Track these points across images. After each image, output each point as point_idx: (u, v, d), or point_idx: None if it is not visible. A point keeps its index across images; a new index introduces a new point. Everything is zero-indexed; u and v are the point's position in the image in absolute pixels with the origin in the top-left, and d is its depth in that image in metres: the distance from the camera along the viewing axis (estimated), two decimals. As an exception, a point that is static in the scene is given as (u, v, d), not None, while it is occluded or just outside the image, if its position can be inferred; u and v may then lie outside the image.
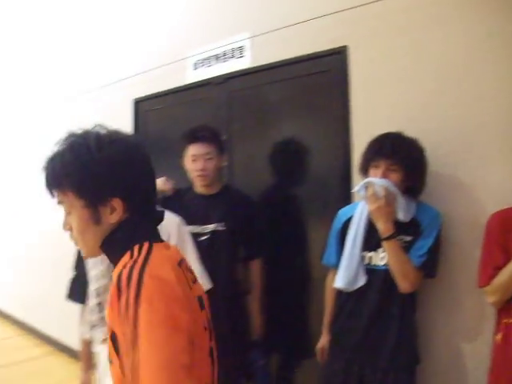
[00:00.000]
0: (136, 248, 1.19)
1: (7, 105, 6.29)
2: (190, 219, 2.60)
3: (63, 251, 3.65)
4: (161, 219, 1.32)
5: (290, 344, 2.99)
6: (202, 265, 2.32)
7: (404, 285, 2.03)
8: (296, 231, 2.93)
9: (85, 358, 2.27)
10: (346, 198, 2.55)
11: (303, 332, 2.92)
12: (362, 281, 2.14)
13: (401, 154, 2.03)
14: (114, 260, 1.23)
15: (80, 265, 2.19)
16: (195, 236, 2.63)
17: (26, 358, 4.98)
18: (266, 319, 2.80)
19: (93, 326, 2.08)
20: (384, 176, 2.04)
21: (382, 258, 2.10)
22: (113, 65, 4.36)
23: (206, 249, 2.62)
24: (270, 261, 2.83)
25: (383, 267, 2.10)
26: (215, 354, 1.32)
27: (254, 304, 2.77)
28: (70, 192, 1.20)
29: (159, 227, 1.31)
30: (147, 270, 1.09)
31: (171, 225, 2.12)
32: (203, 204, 2.71)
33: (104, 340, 1.96)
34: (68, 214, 1.25)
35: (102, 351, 2.06)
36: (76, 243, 1.29)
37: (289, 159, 3.01)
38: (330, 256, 2.37)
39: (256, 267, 2.78)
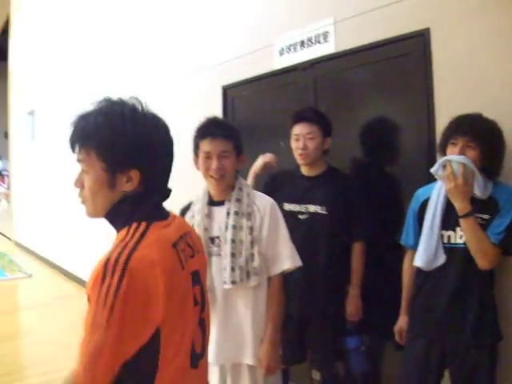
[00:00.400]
0: (133, 227, 1.26)
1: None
2: (291, 198, 2.77)
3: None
4: (168, 196, 1.40)
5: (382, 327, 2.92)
6: (293, 243, 2.28)
7: (482, 262, 2.06)
8: (390, 212, 2.93)
9: None
10: (431, 179, 2.57)
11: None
12: (441, 259, 2.18)
13: (478, 132, 2.06)
14: (117, 229, 1.32)
15: None
16: (295, 214, 2.76)
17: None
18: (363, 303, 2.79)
19: None
20: (461, 152, 2.08)
21: (461, 237, 2.13)
22: (202, 52, 4.55)
23: (304, 229, 2.73)
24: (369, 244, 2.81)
25: (462, 245, 2.12)
26: (206, 323, 1.44)
27: (354, 288, 2.76)
28: (93, 152, 1.28)
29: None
30: (133, 258, 1.16)
31: (265, 206, 2.22)
32: (306, 185, 2.81)
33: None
34: (84, 172, 1.32)
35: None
36: (83, 201, 1.36)
37: (376, 141, 3.05)
38: (407, 236, 2.41)
39: (356, 251, 2.76)
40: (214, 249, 2.21)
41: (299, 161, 2.80)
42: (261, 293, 2.20)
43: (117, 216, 1.33)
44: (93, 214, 1.36)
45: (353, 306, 2.75)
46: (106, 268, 1.14)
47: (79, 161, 1.33)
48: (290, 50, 3.45)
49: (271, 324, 2.19)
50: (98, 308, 1.12)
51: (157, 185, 1.36)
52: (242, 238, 2.16)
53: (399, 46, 2.76)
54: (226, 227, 2.18)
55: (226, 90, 4.17)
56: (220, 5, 4.30)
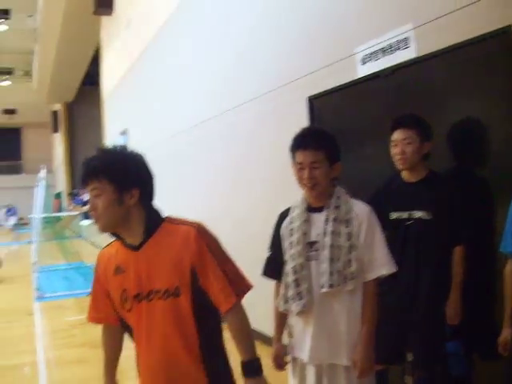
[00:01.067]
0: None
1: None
2: (396, 205, 2.82)
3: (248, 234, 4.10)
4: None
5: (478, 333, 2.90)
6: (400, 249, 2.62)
7: None
8: (488, 215, 2.85)
9: (278, 329, 2.50)
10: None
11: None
12: None
13: None
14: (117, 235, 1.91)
15: (276, 245, 2.45)
16: (402, 221, 2.80)
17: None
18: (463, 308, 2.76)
19: (288, 300, 2.34)
20: None
21: None
22: (285, 65, 4.69)
23: (410, 234, 2.78)
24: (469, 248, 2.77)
25: None
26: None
27: (454, 292, 2.74)
28: (105, 180, 1.78)
29: None
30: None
31: (363, 213, 2.30)
32: (409, 191, 2.83)
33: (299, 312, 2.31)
34: (96, 196, 1.80)
35: (296, 323, 2.39)
36: (97, 220, 1.83)
37: (465, 144, 3.02)
38: (507, 244, 2.35)
39: (457, 254, 2.74)
40: (313, 253, 2.30)
41: (398, 166, 2.85)
42: (356, 297, 2.28)
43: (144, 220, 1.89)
44: (105, 228, 1.86)
45: (453, 309, 2.74)
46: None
47: (93, 189, 1.81)
48: (371, 57, 3.51)
49: (366, 327, 2.26)
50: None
51: (151, 198, 1.92)
52: (341, 244, 2.25)
53: (482, 46, 2.75)
54: (325, 233, 2.28)
55: (312, 101, 4.27)
56: (301, 18, 4.43)
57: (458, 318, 2.74)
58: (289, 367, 2.48)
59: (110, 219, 1.81)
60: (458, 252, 2.74)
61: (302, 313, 2.30)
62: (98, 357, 5.26)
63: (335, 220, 2.28)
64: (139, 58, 10.09)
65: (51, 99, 28.48)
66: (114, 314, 1.99)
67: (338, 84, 3.89)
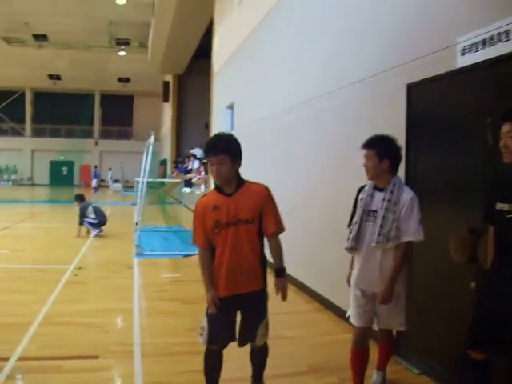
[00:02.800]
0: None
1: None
2: (502, 197, 2.79)
3: (335, 216, 4.30)
4: None
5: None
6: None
7: None
8: None
9: (352, 261, 3.68)
10: None
11: None
12: None
13: None
14: (232, 184, 3.17)
15: (354, 207, 3.65)
16: (504, 213, 2.75)
17: (297, 311, 5.86)
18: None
19: (351, 243, 3.56)
20: None
21: None
22: (386, 52, 4.76)
23: (508, 229, 2.75)
24: None
25: None
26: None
27: None
28: (227, 155, 3.08)
29: None
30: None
31: (407, 197, 3.37)
32: None
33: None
34: (221, 164, 3.06)
35: (356, 260, 3.62)
36: (219, 178, 3.11)
37: None
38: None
39: None
40: (371, 218, 3.47)
41: (504, 159, 2.80)
42: (391, 251, 3.39)
43: (239, 180, 3.21)
44: (223, 183, 3.16)
45: None
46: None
47: (221, 159, 3.07)
48: (471, 49, 3.52)
49: (393, 272, 3.36)
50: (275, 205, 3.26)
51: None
52: (389, 217, 3.36)
53: None
54: (381, 207, 3.41)
55: (411, 88, 4.33)
56: (404, 6, 4.48)
57: None
58: (351, 289, 3.66)
59: (226, 178, 3.13)
60: None
61: (359, 253, 3.52)
62: (186, 311, 5.83)
63: (389, 201, 3.39)
64: (248, 36, 10.38)
65: (163, 70, 29.71)
66: (207, 241, 3.20)
67: (437, 73, 3.94)
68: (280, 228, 3.25)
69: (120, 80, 37.13)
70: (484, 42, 3.42)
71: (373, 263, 3.44)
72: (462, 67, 3.67)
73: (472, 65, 3.56)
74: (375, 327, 3.72)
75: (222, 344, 3.33)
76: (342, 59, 5.78)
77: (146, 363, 4.14)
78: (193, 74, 28.30)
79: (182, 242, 10.87)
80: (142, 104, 39.92)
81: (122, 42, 30.74)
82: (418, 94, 4.28)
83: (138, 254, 9.18)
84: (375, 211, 3.43)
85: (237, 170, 3.19)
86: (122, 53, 31.76)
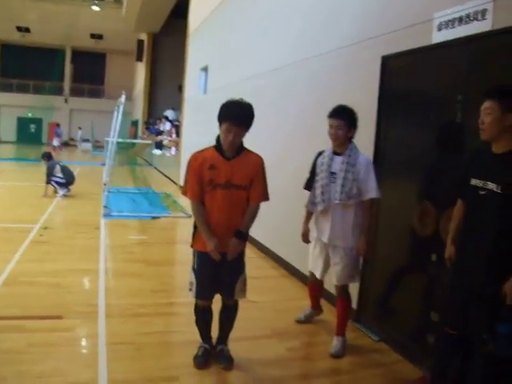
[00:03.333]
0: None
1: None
2: (476, 173, 2.85)
3: (301, 185, 4.35)
4: None
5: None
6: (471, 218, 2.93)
7: None
8: None
9: (306, 220, 4.20)
10: None
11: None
12: None
13: None
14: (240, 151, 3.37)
15: (313, 171, 4.06)
16: (477, 189, 2.82)
17: (263, 276, 5.95)
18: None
19: (315, 203, 4.00)
20: None
21: None
22: (363, 23, 4.74)
23: (481, 204, 2.81)
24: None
25: None
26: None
27: None
28: (247, 128, 3.30)
29: None
30: None
31: (363, 161, 3.82)
32: (490, 162, 2.82)
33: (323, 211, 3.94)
34: (237, 135, 3.25)
35: (319, 217, 4.02)
36: (232, 147, 3.31)
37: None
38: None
39: None
40: (332, 179, 3.86)
41: (481, 136, 2.85)
42: (353, 208, 3.83)
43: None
44: (233, 149, 3.36)
45: (509, 290, 2.67)
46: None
47: (240, 130, 3.26)
48: (448, 25, 3.53)
49: (366, 226, 3.84)
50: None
51: None
52: (349, 177, 3.78)
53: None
54: (341, 169, 3.83)
55: (386, 60, 4.34)
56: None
57: None
58: (311, 242, 4.15)
59: (236, 146, 3.35)
60: None
61: (323, 211, 3.91)
62: (152, 273, 5.85)
63: (348, 163, 3.81)
64: (226, -2, 10.15)
65: (138, 28, 28.98)
66: (201, 194, 3.35)
67: (412, 47, 3.95)
68: (264, 198, 3.45)
69: (93, 36, 36.08)
70: (460, 20, 3.43)
71: (334, 219, 3.87)
72: (438, 43, 3.68)
73: (447, 41, 3.58)
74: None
75: (210, 296, 3.54)
76: (321, 27, 5.72)
77: (110, 324, 4.15)
78: (168, 34, 27.66)
79: (150, 204, 10.84)
80: (115, 62, 38.93)
81: (95, -3, 29.95)
82: (392, 66, 4.30)
83: (106, 215, 9.11)
84: (335, 173, 3.86)
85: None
86: (96, 8, 30.88)
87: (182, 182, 13.80)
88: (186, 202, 11.31)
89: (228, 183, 3.32)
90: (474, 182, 2.87)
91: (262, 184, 3.40)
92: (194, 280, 3.50)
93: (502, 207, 2.70)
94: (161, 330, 4.20)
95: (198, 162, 3.35)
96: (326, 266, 4.05)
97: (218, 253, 3.35)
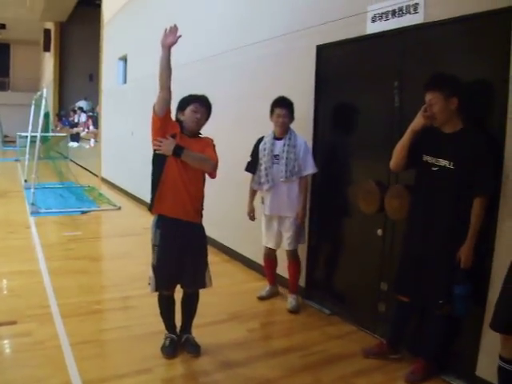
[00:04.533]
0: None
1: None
2: (428, 151, 3.19)
3: (245, 175, 4.55)
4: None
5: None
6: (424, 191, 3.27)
7: None
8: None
9: (250, 198, 4.73)
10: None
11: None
12: None
13: None
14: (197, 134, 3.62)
15: (254, 155, 4.58)
16: (429, 165, 3.17)
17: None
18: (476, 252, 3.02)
19: (260, 183, 4.54)
20: None
21: None
22: (300, 13, 4.91)
23: (434, 180, 3.15)
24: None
25: None
26: None
27: (469, 239, 2.99)
28: (208, 110, 3.63)
29: None
30: None
31: (301, 142, 4.42)
32: (441, 140, 3.14)
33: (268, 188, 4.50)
34: (201, 116, 3.53)
35: (266, 195, 4.58)
36: (195, 127, 3.52)
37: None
38: None
39: (476, 205, 2.95)
40: (275, 161, 4.44)
41: (434, 124, 3.16)
42: (295, 184, 4.43)
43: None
44: (196, 130, 3.59)
45: (464, 255, 3.01)
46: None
47: (204, 112, 3.57)
48: (381, 17, 3.79)
49: (301, 199, 4.45)
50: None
51: None
52: (291, 157, 4.37)
53: (485, 21, 3.06)
54: (283, 151, 4.41)
55: (321, 50, 4.56)
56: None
57: (469, 263, 3.01)
58: (261, 220, 4.70)
59: (199, 126, 3.59)
60: (477, 203, 2.96)
61: (269, 189, 4.46)
62: (96, 269, 5.82)
63: (288, 145, 4.40)
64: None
65: (44, 17, 27.54)
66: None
67: (347, 37, 4.18)
68: (214, 171, 3.51)
69: (-6, 26, 34.09)
70: (394, 13, 3.70)
71: (281, 194, 4.46)
72: (372, 33, 3.93)
73: (381, 32, 3.84)
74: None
75: (170, 288, 3.65)
76: (254, 15, 5.84)
77: (68, 324, 4.11)
78: (77, 23, 26.56)
79: (77, 198, 10.58)
80: (20, 53, 36.87)
81: (-5, -16, 28.16)
82: (327, 55, 4.52)
83: (34, 213, 8.81)
84: (277, 155, 4.44)
85: None
86: (-5, -5, 29.10)
87: (104, 174, 13.65)
88: (111, 195, 11.19)
89: None
90: (425, 158, 3.21)
91: (211, 153, 3.50)
92: (152, 275, 3.58)
93: (456, 181, 3.04)
94: (120, 325, 4.22)
95: (164, 122, 3.41)
96: (278, 236, 4.60)
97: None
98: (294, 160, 4.37)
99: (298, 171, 4.41)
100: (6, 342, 3.89)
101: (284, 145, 4.42)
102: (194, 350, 3.68)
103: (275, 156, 4.45)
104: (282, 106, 4.43)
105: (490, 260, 3.03)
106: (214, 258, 6.28)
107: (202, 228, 3.67)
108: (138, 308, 4.56)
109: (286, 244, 4.55)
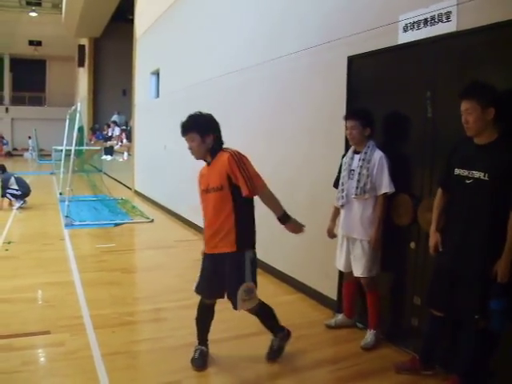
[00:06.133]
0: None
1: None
2: (461, 163, 3.12)
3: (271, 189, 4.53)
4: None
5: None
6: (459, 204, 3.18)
7: None
8: None
9: (332, 216, 4.39)
10: None
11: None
12: None
13: None
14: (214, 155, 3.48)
15: (339, 169, 4.31)
16: (463, 178, 3.09)
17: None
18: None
19: (337, 199, 4.26)
20: None
21: None
22: (332, 24, 4.88)
23: (469, 192, 3.07)
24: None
25: None
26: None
27: (506, 253, 2.89)
28: (195, 132, 3.41)
29: None
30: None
31: (377, 157, 3.98)
32: (474, 152, 3.06)
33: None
34: (192, 142, 3.45)
35: (341, 213, 4.26)
36: (193, 154, 3.50)
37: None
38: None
39: None
40: (351, 176, 4.11)
41: (467, 133, 3.09)
42: (369, 202, 4.03)
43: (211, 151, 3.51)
44: (199, 157, 3.53)
45: (501, 269, 2.91)
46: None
47: (189, 138, 3.47)
48: (413, 26, 3.74)
49: (377, 220, 3.98)
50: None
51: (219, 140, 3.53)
52: (364, 173, 4.01)
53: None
54: (358, 166, 4.06)
55: (352, 60, 4.53)
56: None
57: (506, 277, 2.90)
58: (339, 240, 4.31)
59: (202, 153, 3.50)
60: None
61: (343, 206, 4.18)
62: (129, 280, 5.87)
63: (363, 160, 4.03)
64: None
65: (79, 33, 28.26)
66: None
67: (378, 47, 4.15)
68: (253, 189, 3.38)
69: (31, 43, 35.00)
70: (426, 21, 3.65)
71: (354, 213, 4.10)
72: (404, 43, 3.89)
73: (413, 41, 3.79)
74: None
75: (207, 296, 3.66)
76: (283, 28, 5.85)
77: (100, 335, 4.15)
78: (110, 38, 27.17)
79: (110, 210, 10.73)
80: (56, 69, 37.78)
81: (33, 3, 29.03)
82: (358, 66, 4.49)
83: (68, 225, 8.98)
84: (353, 170, 4.09)
85: (213, 143, 3.49)
86: (33, 14, 29.96)
87: (137, 187, 13.81)
88: (144, 207, 11.31)
89: (207, 188, 3.50)
90: (457, 171, 3.13)
91: (242, 177, 3.34)
92: (198, 274, 3.70)
93: (491, 193, 2.95)
94: (152, 336, 4.24)
95: (198, 174, 3.67)
96: (348, 259, 4.21)
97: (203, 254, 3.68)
98: (366, 176, 3.98)
99: (371, 189, 3.98)
100: (39, 351, 3.95)
101: (359, 159, 4.06)
102: (269, 355, 3.83)
103: (351, 171, 4.11)
104: (350, 117, 4.10)
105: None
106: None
107: (238, 257, 3.48)
108: (170, 320, 4.58)
109: (354, 270, 4.14)
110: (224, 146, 3.54)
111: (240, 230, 3.44)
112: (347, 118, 4.12)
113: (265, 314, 3.76)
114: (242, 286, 3.42)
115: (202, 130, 3.45)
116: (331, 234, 4.40)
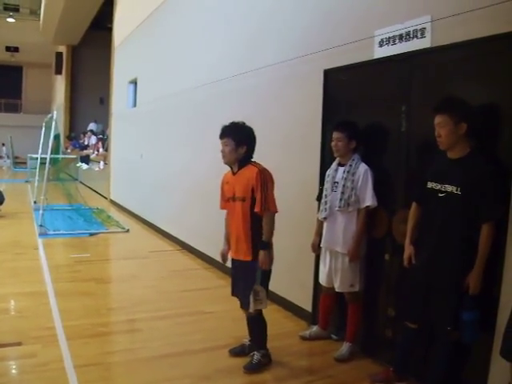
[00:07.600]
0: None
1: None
2: (434, 177, 3.18)
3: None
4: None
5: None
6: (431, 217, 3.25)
7: None
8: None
9: (316, 229, 4.31)
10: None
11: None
12: None
13: None
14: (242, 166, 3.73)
15: (323, 183, 4.26)
16: (436, 192, 3.15)
17: (212, 286, 6.10)
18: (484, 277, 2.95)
19: (320, 211, 4.23)
20: None
21: None
22: (307, 37, 4.94)
23: (441, 205, 3.12)
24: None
25: None
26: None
27: (479, 266, 2.93)
28: (232, 139, 3.68)
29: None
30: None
31: (361, 170, 3.95)
32: (447, 166, 3.12)
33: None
34: (226, 146, 3.70)
35: (324, 225, 4.18)
36: (224, 158, 3.75)
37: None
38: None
39: (484, 232, 2.92)
40: (334, 188, 4.08)
41: (439, 146, 3.15)
42: (352, 215, 3.99)
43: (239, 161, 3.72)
44: (228, 163, 3.78)
45: (472, 281, 2.95)
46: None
47: (225, 142, 3.73)
48: (389, 42, 3.81)
49: (357, 232, 3.95)
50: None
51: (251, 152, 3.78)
52: (348, 185, 3.96)
53: (493, 45, 3.06)
54: (341, 178, 4.02)
55: (328, 74, 4.59)
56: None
57: (477, 289, 2.95)
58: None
59: (232, 160, 3.73)
60: (485, 229, 2.93)
61: (325, 218, 4.12)
62: (103, 291, 5.80)
63: (348, 172, 4.00)
64: (158, 8, 10.06)
65: (56, 41, 28.04)
66: (224, 206, 3.92)
67: (354, 61, 4.20)
68: (264, 209, 3.63)
69: (8, 49, 34.61)
70: (401, 37, 3.71)
71: (337, 226, 4.07)
72: (379, 58, 3.95)
73: (389, 56, 3.85)
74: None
75: (236, 295, 3.95)
76: (261, 41, 5.91)
77: (72, 346, 4.08)
78: (88, 46, 27.02)
79: (85, 220, 10.60)
80: (33, 75, 37.36)
81: (11, 8, 28.75)
82: (335, 79, 4.54)
83: (42, 234, 8.85)
84: (337, 182, 4.07)
85: (244, 154, 3.73)
86: (11, 20, 29.65)
87: (113, 197, 13.69)
88: (120, 217, 11.22)
89: (233, 196, 3.76)
90: (430, 185, 3.20)
91: (261, 195, 3.61)
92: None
93: (463, 207, 3.01)
94: (125, 347, 4.19)
95: (222, 181, 3.94)
96: (330, 274, 4.15)
97: (222, 257, 4.00)
98: (350, 189, 3.94)
99: (355, 202, 3.94)
100: (10, 363, 3.88)
101: (344, 171, 4.03)
102: (247, 367, 3.81)
103: (335, 183, 4.08)
104: (336, 129, 4.08)
105: (499, 286, 2.99)
106: (218, 281, 6.28)
107: (250, 265, 3.73)
108: (142, 331, 4.54)
109: (335, 284, 4.10)
110: (252, 160, 3.79)
111: (254, 240, 3.70)
112: (334, 129, 4.12)
113: (260, 324, 3.88)
114: (254, 287, 3.64)
115: (238, 138, 3.70)
116: (315, 249, 4.33)
